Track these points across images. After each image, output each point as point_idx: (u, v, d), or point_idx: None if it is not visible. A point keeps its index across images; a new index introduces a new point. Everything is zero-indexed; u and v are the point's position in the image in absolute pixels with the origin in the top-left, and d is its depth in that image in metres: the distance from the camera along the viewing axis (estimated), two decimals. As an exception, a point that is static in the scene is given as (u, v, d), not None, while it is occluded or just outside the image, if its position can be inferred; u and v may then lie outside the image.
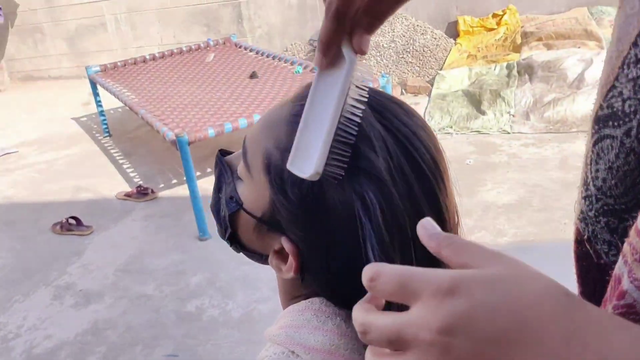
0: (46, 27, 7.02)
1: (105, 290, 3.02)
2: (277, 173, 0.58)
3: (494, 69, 4.85)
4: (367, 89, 0.56)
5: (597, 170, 0.49)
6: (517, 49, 5.10)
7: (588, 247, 0.53)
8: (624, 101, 0.45)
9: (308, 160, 0.53)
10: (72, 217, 3.65)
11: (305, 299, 0.65)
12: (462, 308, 0.34)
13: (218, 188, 0.70)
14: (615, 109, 0.45)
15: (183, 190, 3.90)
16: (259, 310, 2.71)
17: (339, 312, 0.62)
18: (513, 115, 4.30)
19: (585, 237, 0.53)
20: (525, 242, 2.94)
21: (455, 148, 4.02)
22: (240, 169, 0.65)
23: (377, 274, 0.38)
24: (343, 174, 0.54)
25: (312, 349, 0.60)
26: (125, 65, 5.14)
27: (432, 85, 4.97)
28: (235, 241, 0.70)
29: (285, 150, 0.57)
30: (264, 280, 2.87)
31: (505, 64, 4.85)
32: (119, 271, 3.17)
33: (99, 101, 5.01)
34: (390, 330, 0.37)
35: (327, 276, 0.60)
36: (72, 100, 6.30)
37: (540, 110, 4.25)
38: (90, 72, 4.97)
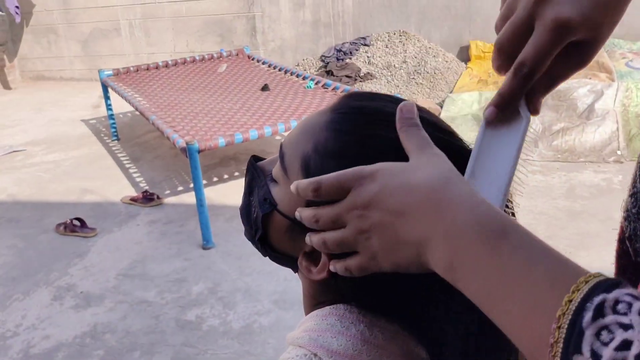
0: (61, 28, 7.08)
1: (106, 294, 3.01)
2: (316, 175, 0.59)
3: (504, 95, 4.85)
4: (532, 151, 0.59)
5: None
6: (528, 76, 5.12)
7: (628, 244, 0.53)
8: None
9: None
10: (77, 219, 3.65)
11: (330, 304, 0.65)
12: (374, 189, 0.49)
13: (249, 192, 0.71)
14: None
15: (188, 198, 3.90)
16: (259, 322, 2.69)
17: (363, 319, 0.63)
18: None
19: (627, 235, 0.53)
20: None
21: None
22: (276, 171, 0.66)
23: (318, 184, 0.52)
24: None
25: (335, 353, 0.60)
26: (137, 70, 5.17)
27: (441, 107, 4.98)
28: (264, 243, 0.69)
29: (324, 155, 0.59)
30: (265, 292, 2.86)
31: (515, 90, 4.86)
32: (121, 275, 3.16)
33: (109, 104, 5.03)
34: (333, 213, 0.52)
35: (358, 278, 0.60)
36: (82, 102, 6.33)
37: (548, 138, 4.26)
38: (103, 75, 5.00)
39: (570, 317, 0.37)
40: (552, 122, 4.37)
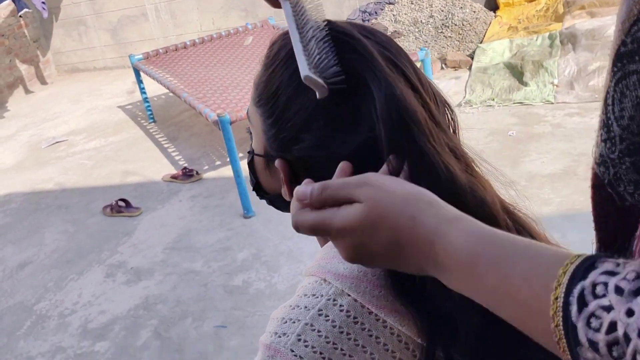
0: (89, 19, 7.20)
1: (155, 267, 3.12)
2: (254, 101, 0.67)
3: (536, 40, 4.75)
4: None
5: (622, 110, 0.47)
6: (559, 18, 4.98)
7: (610, 190, 0.52)
8: None
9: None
10: (122, 200, 3.77)
11: None
12: (358, 218, 0.51)
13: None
14: None
15: (226, 172, 3.97)
16: (304, 282, 2.75)
17: None
18: (556, 85, 4.21)
19: (606, 180, 0.52)
20: (571, 210, 2.89)
21: (497, 120, 3.97)
22: (249, 126, 0.74)
23: (304, 195, 0.54)
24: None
25: (342, 276, 0.64)
26: (166, 52, 5.24)
27: (472, 59, 4.90)
28: (259, 189, 0.78)
29: (256, 88, 0.67)
30: (307, 254, 2.91)
31: (547, 34, 4.75)
32: (168, 249, 3.26)
33: (143, 89, 5.13)
34: (313, 221, 0.54)
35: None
36: (117, 89, 6.46)
37: (584, 79, 4.15)
38: (134, 60, 5.08)
39: (561, 314, 0.39)
40: (587, 62, 4.25)
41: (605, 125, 0.50)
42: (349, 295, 0.63)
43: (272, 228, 3.21)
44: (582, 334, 0.37)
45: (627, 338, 0.35)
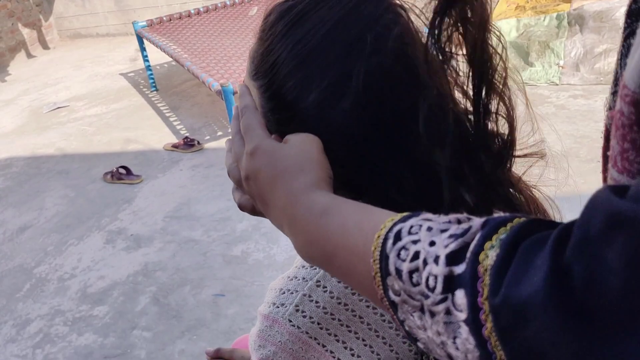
0: (93, -16, 7.12)
1: (155, 235, 3.13)
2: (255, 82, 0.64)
3: (543, 20, 4.70)
4: None
5: (627, 64, 0.49)
6: (568, -1, 4.93)
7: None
8: None
9: None
10: (122, 167, 3.77)
11: None
12: (255, 167, 0.57)
13: None
14: None
15: (228, 142, 3.96)
16: (302, 254, 2.76)
17: None
18: (562, 67, 4.18)
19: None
20: (571, 193, 2.89)
21: (501, 100, 3.95)
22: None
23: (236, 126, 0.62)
24: None
25: None
26: (170, 20, 5.19)
27: (478, 37, 4.86)
28: None
29: (252, 60, 0.64)
30: (307, 226, 2.92)
31: (555, 14, 4.70)
32: (168, 217, 3.27)
33: (146, 56, 5.09)
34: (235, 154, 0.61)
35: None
36: (120, 57, 6.41)
37: (590, 61, 4.13)
38: (137, 27, 5.04)
39: (379, 249, 0.42)
40: (594, 45, 4.22)
41: (615, 79, 0.52)
42: None
43: (272, 200, 3.22)
44: (391, 263, 0.40)
45: (425, 264, 0.38)
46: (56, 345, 2.48)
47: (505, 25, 4.81)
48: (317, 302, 0.63)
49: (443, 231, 0.39)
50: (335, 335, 0.63)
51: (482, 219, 0.39)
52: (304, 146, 0.56)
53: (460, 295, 0.36)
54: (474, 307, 0.35)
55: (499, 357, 0.35)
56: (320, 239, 0.49)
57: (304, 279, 0.65)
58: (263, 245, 2.88)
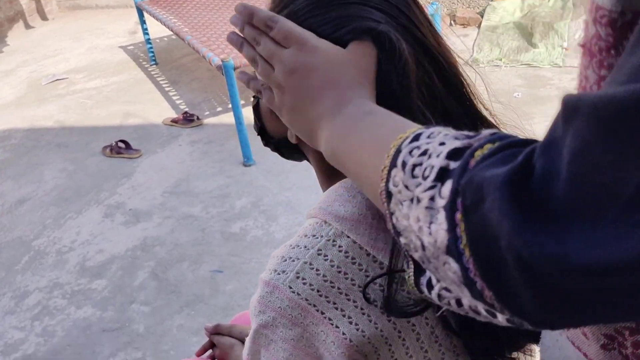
0: (93, -46, 7.02)
1: (154, 210, 3.13)
2: None
3: (548, 1, 4.66)
4: None
5: None
6: (573, -21, 4.87)
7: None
8: None
9: None
10: (121, 141, 3.75)
11: (341, 179, 0.71)
12: (306, 62, 0.59)
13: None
14: None
15: (227, 118, 3.95)
16: (301, 232, 2.77)
17: None
18: (566, 49, 4.16)
19: None
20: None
21: (503, 80, 3.93)
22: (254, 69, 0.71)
23: (274, 21, 0.60)
24: None
25: (342, 218, 0.66)
26: (171, -8, 5.13)
27: (482, 16, 4.82)
28: (264, 133, 0.80)
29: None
30: (305, 205, 2.92)
31: (560, -5, 4.65)
32: (167, 193, 3.27)
33: (146, 29, 5.04)
34: (269, 51, 0.61)
35: None
36: (119, 29, 6.35)
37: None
38: (137, -1, 4.98)
39: (397, 147, 0.44)
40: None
41: None
42: (348, 236, 0.65)
43: (272, 178, 3.22)
44: (401, 157, 0.43)
45: (428, 158, 0.40)
46: (54, 318, 2.50)
47: (510, 5, 4.77)
48: (317, 270, 0.64)
49: (457, 138, 0.41)
50: (334, 303, 0.64)
51: (494, 130, 0.41)
52: (365, 59, 0.60)
53: (447, 186, 0.37)
54: (454, 193, 0.37)
55: (464, 242, 0.36)
56: (355, 131, 0.52)
57: (305, 247, 0.66)
58: (262, 223, 2.88)
